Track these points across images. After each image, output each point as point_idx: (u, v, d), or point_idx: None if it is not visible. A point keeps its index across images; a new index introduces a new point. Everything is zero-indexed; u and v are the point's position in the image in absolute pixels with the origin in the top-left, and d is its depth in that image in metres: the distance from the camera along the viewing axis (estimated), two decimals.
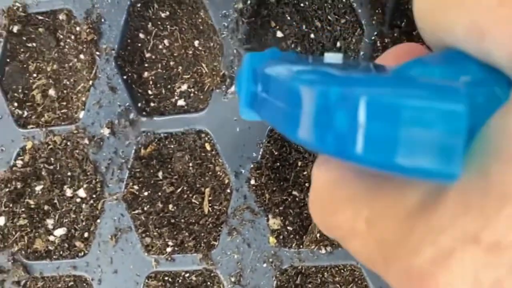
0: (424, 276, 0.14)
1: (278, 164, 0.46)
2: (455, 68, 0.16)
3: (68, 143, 0.50)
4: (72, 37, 0.50)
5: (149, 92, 0.49)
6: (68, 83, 0.51)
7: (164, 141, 0.49)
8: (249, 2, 0.46)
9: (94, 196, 0.49)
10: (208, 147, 0.48)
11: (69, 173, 0.50)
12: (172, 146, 0.49)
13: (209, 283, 0.48)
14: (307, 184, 0.46)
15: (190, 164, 0.48)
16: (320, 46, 0.46)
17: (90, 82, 0.49)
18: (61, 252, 0.50)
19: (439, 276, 0.13)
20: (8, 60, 0.52)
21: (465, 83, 0.15)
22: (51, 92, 0.51)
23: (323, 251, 0.44)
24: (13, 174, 0.50)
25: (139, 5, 0.49)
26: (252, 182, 0.46)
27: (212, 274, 0.48)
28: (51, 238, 0.50)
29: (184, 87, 0.49)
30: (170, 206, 0.48)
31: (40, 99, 0.51)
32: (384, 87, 0.14)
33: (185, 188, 0.48)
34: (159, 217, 0.48)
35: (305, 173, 0.46)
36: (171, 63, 0.49)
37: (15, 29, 0.51)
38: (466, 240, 0.13)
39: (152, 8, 0.49)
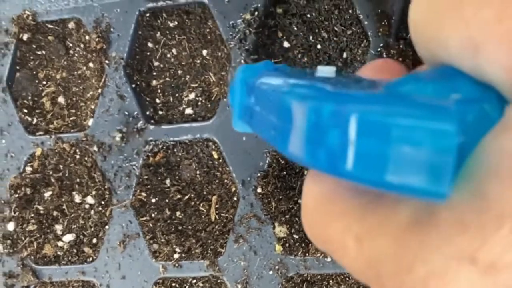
0: None
1: (285, 172, 0.47)
2: (447, 85, 0.16)
3: (77, 150, 0.50)
4: (81, 45, 0.51)
5: (157, 100, 0.50)
6: (77, 90, 0.52)
7: (172, 149, 0.49)
8: (256, 13, 0.47)
9: (102, 202, 0.50)
10: (215, 155, 0.49)
11: (77, 180, 0.51)
12: (179, 154, 0.49)
13: None
14: None
15: (198, 172, 0.49)
16: (327, 56, 0.47)
17: (99, 90, 0.50)
18: (69, 258, 0.51)
19: None
20: (18, 67, 0.52)
21: (456, 101, 0.15)
22: (60, 99, 0.52)
23: (329, 259, 0.45)
24: (23, 180, 0.51)
25: (148, 14, 0.50)
26: (259, 190, 0.47)
27: (218, 281, 0.48)
28: (60, 243, 0.51)
29: (192, 95, 0.50)
30: (178, 213, 0.49)
31: (49, 106, 0.52)
32: (376, 104, 0.14)
33: (192, 195, 0.49)
34: (167, 224, 0.49)
35: None
36: (179, 72, 0.50)
37: (25, 37, 0.52)
38: (461, 260, 0.13)
39: (161, 18, 0.50)
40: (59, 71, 0.52)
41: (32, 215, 0.51)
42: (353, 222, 0.16)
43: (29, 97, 0.52)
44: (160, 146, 0.49)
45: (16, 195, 0.51)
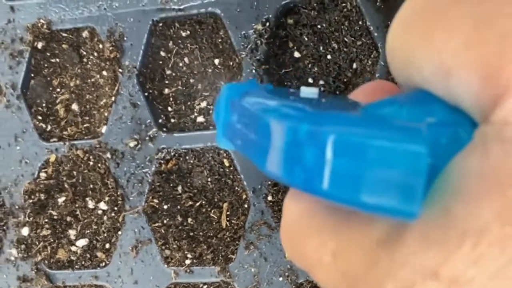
0: None
1: None
2: (421, 109, 0.16)
3: (91, 157, 0.51)
4: (95, 54, 0.52)
5: (169, 108, 0.51)
6: (90, 98, 0.53)
7: (183, 156, 0.50)
8: (268, 24, 0.48)
9: (115, 208, 0.51)
10: (226, 163, 0.49)
11: (91, 186, 0.52)
12: (191, 162, 0.50)
13: None
14: None
15: (209, 179, 0.50)
16: (337, 67, 0.48)
17: (113, 98, 0.51)
18: (83, 262, 0.52)
19: None
20: (32, 75, 0.53)
21: (429, 124, 0.15)
22: (74, 106, 0.53)
23: None
24: (37, 186, 0.52)
25: (160, 24, 0.51)
26: (269, 198, 0.48)
27: (229, 287, 0.49)
28: (73, 248, 0.52)
29: (204, 104, 0.50)
30: (189, 219, 0.50)
31: (63, 113, 0.53)
32: (351, 126, 0.15)
33: (203, 202, 0.50)
34: (179, 230, 0.50)
35: None
36: (191, 80, 0.51)
37: (40, 45, 0.52)
38: (426, 275, 0.14)
39: (173, 27, 0.51)
40: (73, 78, 0.53)
41: (46, 220, 0.52)
42: (328, 239, 0.17)
43: (43, 104, 0.53)
44: (172, 154, 0.50)
45: (31, 201, 0.52)
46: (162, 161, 0.50)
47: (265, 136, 0.17)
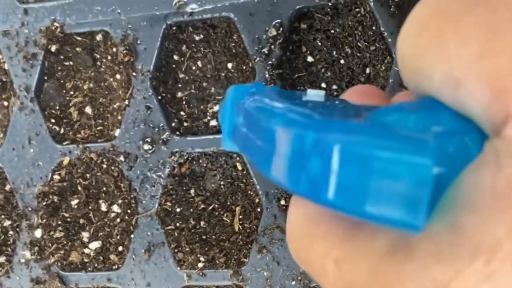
0: None
1: None
2: (429, 117, 0.16)
3: (104, 160, 0.52)
4: (109, 57, 0.52)
5: (182, 113, 0.51)
6: (104, 101, 0.53)
7: (197, 160, 0.50)
8: (281, 28, 0.48)
9: (128, 211, 0.51)
10: (239, 167, 0.50)
11: (104, 189, 0.52)
12: (204, 165, 0.50)
13: None
14: None
15: (222, 183, 0.50)
16: (350, 71, 0.48)
17: (126, 102, 0.51)
18: (96, 265, 0.52)
19: None
20: (46, 78, 0.54)
21: (437, 134, 0.15)
22: (87, 109, 0.53)
23: None
24: (50, 189, 0.52)
25: (174, 28, 0.51)
26: (282, 202, 0.48)
27: None
28: (87, 250, 0.52)
29: (217, 107, 0.51)
30: (202, 223, 0.50)
31: (77, 116, 0.53)
32: (357, 135, 0.15)
33: (216, 205, 0.50)
34: (191, 233, 0.50)
35: None
36: (204, 84, 0.51)
37: (53, 48, 0.53)
38: None
39: (187, 31, 0.51)
40: (86, 81, 0.53)
41: (59, 222, 0.53)
42: (333, 247, 0.17)
43: (57, 107, 0.54)
44: (185, 157, 0.50)
45: (44, 203, 0.52)
46: (175, 165, 0.50)
47: (270, 142, 0.17)
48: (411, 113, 0.16)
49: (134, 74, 0.51)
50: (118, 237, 0.52)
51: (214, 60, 0.51)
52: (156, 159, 0.50)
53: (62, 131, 0.53)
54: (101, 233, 0.52)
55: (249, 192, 0.50)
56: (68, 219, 0.53)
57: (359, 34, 0.48)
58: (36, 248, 0.52)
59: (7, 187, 0.54)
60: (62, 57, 0.53)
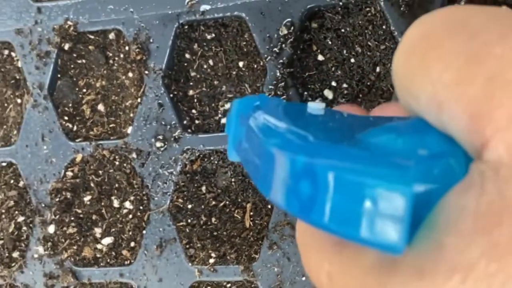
0: None
1: None
2: (417, 138, 0.17)
3: (116, 157, 0.52)
4: (121, 55, 0.53)
5: (194, 111, 0.52)
6: (116, 99, 0.53)
7: (208, 157, 0.51)
8: (292, 27, 0.48)
9: (140, 207, 0.52)
10: None
11: (116, 185, 0.53)
12: (215, 162, 0.51)
13: None
14: None
15: (233, 180, 0.51)
16: (360, 70, 0.48)
17: (138, 99, 0.52)
18: (108, 260, 0.53)
19: None
20: (59, 75, 0.54)
21: (421, 158, 0.16)
22: (100, 107, 0.54)
23: None
24: (63, 185, 0.53)
25: (186, 27, 0.51)
26: None
27: (252, 286, 0.50)
28: (99, 246, 0.53)
29: (228, 105, 0.51)
30: (213, 219, 0.51)
31: (89, 113, 0.54)
32: (343, 160, 0.15)
33: (227, 202, 0.51)
34: (203, 230, 0.51)
35: None
36: (215, 82, 0.52)
37: (67, 46, 0.53)
38: None
39: (198, 30, 0.52)
40: (99, 79, 0.54)
41: (72, 218, 0.53)
42: (325, 260, 0.18)
43: (70, 105, 0.54)
44: (196, 155, 0.51)
45: (57, 199, 0.53)
46: (187, 162, 0.51)
47: (268, 163, 0.17)
48: (400, 135, 0.17)
49: (146, 72, 0.51)
50: (130, 233, 0.52)
51: (225, 59, 0.51)
52: (168, 156, 0.51)
53: (75, 128, 0.54)
54: (114, 229, 0.53)
55: None
56: (81, 215, 0.53)
57: (370, 33, 0.48)
58: (50, 244, 0.53)
59: (21, 184, 0.55)
60: (75, 55, 0.54)
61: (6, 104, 0.56)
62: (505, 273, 0.13)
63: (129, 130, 0.52)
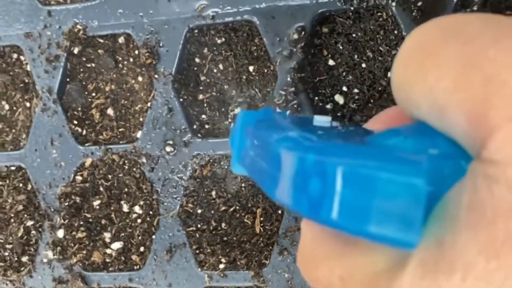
0: None
1: None
2: (425, 140, 0.17)
3: (126, 161, 0.52)
4: (131, 59, 0.53)
5: (204, 116, 0.52)
6: (125, 103, 0.53)
7: (218, 162, 0.51)
8: (303, 32, 0.48)
9: (150, 212, 0.52)
10: None
11: (126, 190, 0.53)
12: (225, 167, 0.51)
13: None
14: None
15: (243, 185, 0.51)
16: (371, 75, 0.48)
17: (148, 104, 0.52)
18: (117, 265, 0.53)
19: None
20: (68, 79, 0.54)
21: (431, 156, 0.16)
22: (109, 111, 0.53)
23: None
24: (73, 189, 0.53)
25: (196, 31, 0.51)
26: None
27: None
28: (108, 251, 0.53)
29: (238, 110, 0.51)
30: (223, 224, 0.51)
31: (99, 117, 0.54)
32: (354, 158, 0.16)
33: (237, 207, 0.51)
34: (212, 235, 0.51)
35: None
36: (225, 86, 0.51)
37: (76, 50, 0.53)
38: None
39: (208, 35, 0.51)
40: (108, 83, 0.54)
41: (81, 223, 0.53)
42: (336, 264, 0.18)
43: (79, 109, 0.54)
44: (206, 159, 0.51)
45: (66, 203, 0.53)
46: (196, 167, 0.51)
47: (276, 165, 0.18)
48: (408, 137, 0.17)
49: (156, 76, 0.51)
50: (140, 238, 0.52)
51: (235, 63, 0.51)
52: (177, 161, 0.51)
53: (84, 132, 0.54)
54: (123, 234, 0.53)
55: None
56: (90, 220, 0.53)
57: (381, 38, 0.48)
58: (59, 248, 0.53)
59: (30, 188, 0.55)
60: (84, 59, 0.54)
61: (15, 108, 0.56)
62: (505, 271, 0.13)
63: (139, 134, 0.52)
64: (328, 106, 0.49)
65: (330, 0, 0.47)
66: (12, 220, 0.55)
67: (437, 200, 0.15)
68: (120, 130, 0.53)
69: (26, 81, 0.56)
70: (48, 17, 0.53)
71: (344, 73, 0.49)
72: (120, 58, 0.53)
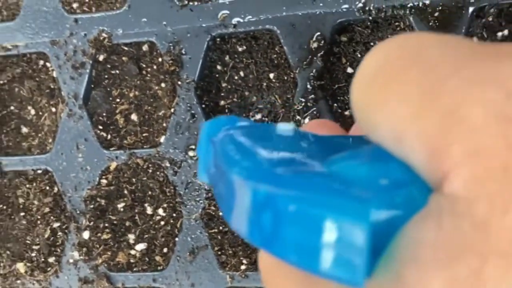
0: None
1: None
2: (380, 167, 0.17)
3: (149, 165, 0.54)
4: (154, 67, 0.54)
5: None
6: (149, 109, 0.55)
7: None
8: (323, 41, 0.50)
9: (173, 215, 0.53)
10: None
11: (149, 193, 0.54)
12: None
13: None
14: None
15: None
16: None
17: (172, 110, 0.53)
18: (141, 266, 0.55)
19: None
20: (93, 86, 0.56)
21: (383, 187, 0.16)
22: (133, 117, 0.55)
23: None
24: (98, 192, 0.55)
25: (218, 39, 0.53)
26: None
27: None
28: (133, 252, 0.54)
29: (259, 116, 0.53)
30: None
31: (123, 123, 0.55)
32: (303, 192, 0.15)
33: None
34: (234, 237, 0.52)
35: None
36: (246, 93, 0.53)
37: (101, 57, 0.55)
38: None
39: (230, 43, 0.53)
40: (132, 90, 0.55)
41: (106, 224, 0.55)
42: None
43: (104, 114, 0.56)
44: None
45: (91, 206, 0.55)
46: None
47: (231, 192, 0.17)
48: (364, 163, 0.17)
49: (179, 83, 0.53)
50: (163, 240, 0.54)
51: (256, 70, 0.53)
52: None
53: (109, 137, 0.56)
54: (147, 235, 0.54)
55: None
56: (115, 222, 0.55)
57: None
58: (84, 249, 0.55)
59: (56, 191, 0.57)
60: (109, 66, 0.56)
61: (40, 113, 0.58)
62: None
63: (162, 139, 0.54)
64: (347, 113, 0.51)
65: (349, 10, 0.49)
66: (39, 222, 0.57)
67: (390, 230, 0.15)
68: (144, 135, 0.55)
69: (52, 87, 0.57)
70: (74, 25, 0.55)
71: None
72: (144, 65, 0.55)
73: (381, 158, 0.17)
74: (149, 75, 0.55)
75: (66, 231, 0.56)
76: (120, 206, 0.55)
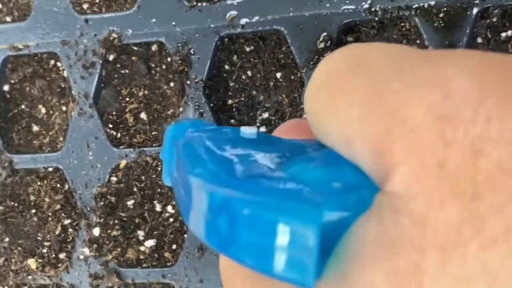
0: None
1: None
2: (333, 170, 0.17)
3: (159, 163, 0.55)
4: (163, 66, 0.55)
5: (232, 120, 0.54)
6: (158, 108, 0.56)
7: None
8: (329, 42, 0.50)
9: None
10: None
11: (158, 190, 0.55)
12: None
13: None
14: None
15: None
16: None
17: (180, 109, 0.54)
18: (150, 262, 0.56)
19: None
20: (103, 85, 0.57)
21: (335, 190, 0.16)
22: (143, 115, 0.56)
23: None
24: (108, 190, 0.56)
25: (226, 39, 0.54)
26: None
27: None
28: (142, 248, 0.55)
29: (266, 115, 0.54)
30: None
31: (132, 121, 0.56)
32: (258, 195, 0.16)
33: None
34: None
35: None
36: (253, 92, 0.54)
37: (111, 57, 0.56)
38: None
39: (238, 43, 0.54)
40: (141, 89, 0.56)
41: (116, 221, 0.56)
42: None
43: (114, 113, 0.57)
44: None
45: (102, 203, 0.56)
46: None
47: (189, 194, 0.18)
48: (318, 166, 0.17)
49: (188, 82, 0.54)
50: (172, 236, 0.55)
51: (263, 70, 0.54)
52: None
53: (119, 135, 0.57)
54: (156, 232, 0.55)
55: None
56: (125, 219, 0.56)
57: None
58: (95, 246, 0.56)
59: (67, 188, 0.58)
60: (118, 65, 0.57)
61: (51, 112, 0.59)
62: None
63: None
64: None
65: (355, 10, 0.50)
66: (50, 218, 0.58)
67: (342, 232, 0.15)
68: (153, 133, 0.56)
69: (63, 86, 0.59)
70: (85, 25, 0.56)
71: None
72: (153, 65, 0.56)
73: (335, 161, 0.17)
74: (158, 74, 0.56)
75: (76, 227, 0.57)
76: (130, 203, 0.56)
